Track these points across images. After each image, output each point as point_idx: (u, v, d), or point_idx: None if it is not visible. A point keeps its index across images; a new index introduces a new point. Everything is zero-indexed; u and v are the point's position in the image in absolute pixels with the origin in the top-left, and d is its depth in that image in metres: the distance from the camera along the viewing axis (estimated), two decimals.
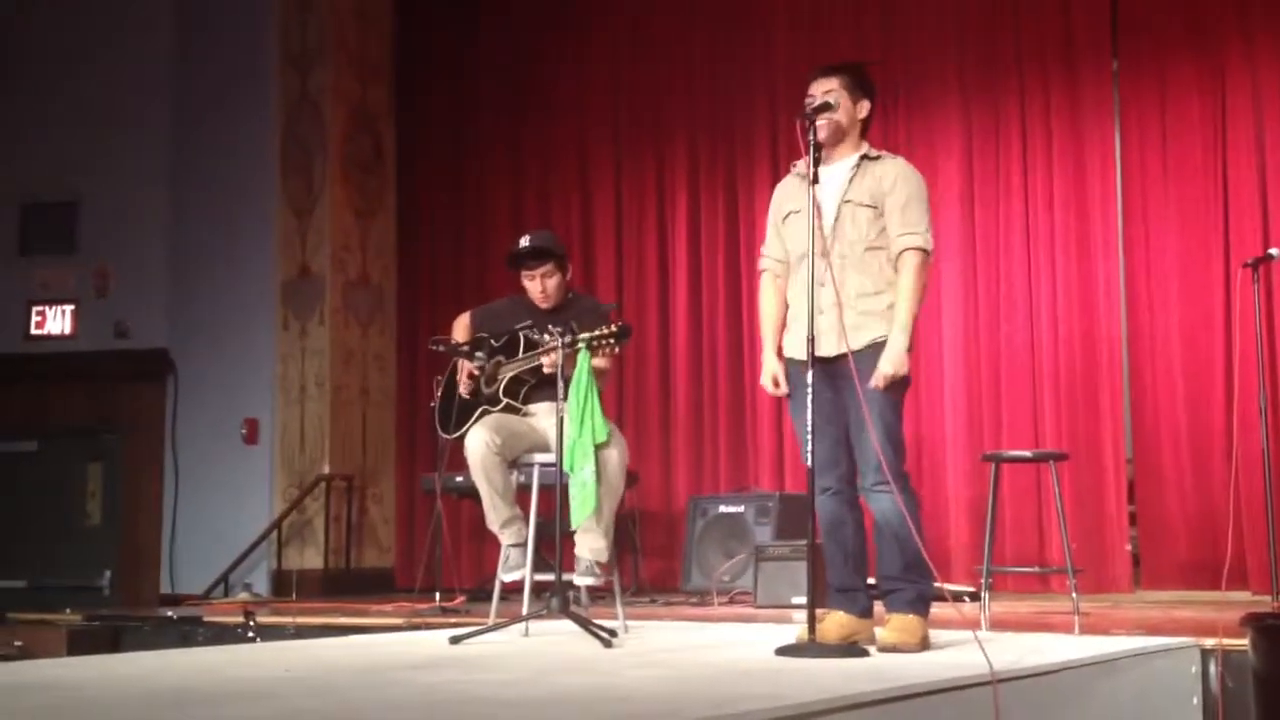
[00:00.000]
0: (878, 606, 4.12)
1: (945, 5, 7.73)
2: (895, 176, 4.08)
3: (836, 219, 4.05)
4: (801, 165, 4.16)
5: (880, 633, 3.94)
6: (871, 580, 4.14)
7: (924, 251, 4.03)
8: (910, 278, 4.01)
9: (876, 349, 3.98)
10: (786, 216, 4.18)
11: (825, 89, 4.08)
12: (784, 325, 4.17)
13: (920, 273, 4.02)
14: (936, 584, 4.05)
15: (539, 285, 5.11)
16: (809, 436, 3.86)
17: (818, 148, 3.98)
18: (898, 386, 4.02)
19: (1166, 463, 6.88)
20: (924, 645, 3.92)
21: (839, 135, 4.10)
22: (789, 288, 4.17)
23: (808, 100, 4.08)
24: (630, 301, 8.43)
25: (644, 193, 8.62)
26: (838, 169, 4.12)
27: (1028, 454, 6.04)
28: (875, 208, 4.05)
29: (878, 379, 3.94)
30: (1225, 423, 6.58)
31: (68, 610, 6.75)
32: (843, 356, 3.91)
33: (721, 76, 8.42)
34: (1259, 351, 5.91)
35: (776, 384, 4.12)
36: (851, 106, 4.11)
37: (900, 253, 4.03)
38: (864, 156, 4.13)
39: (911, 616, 3.94)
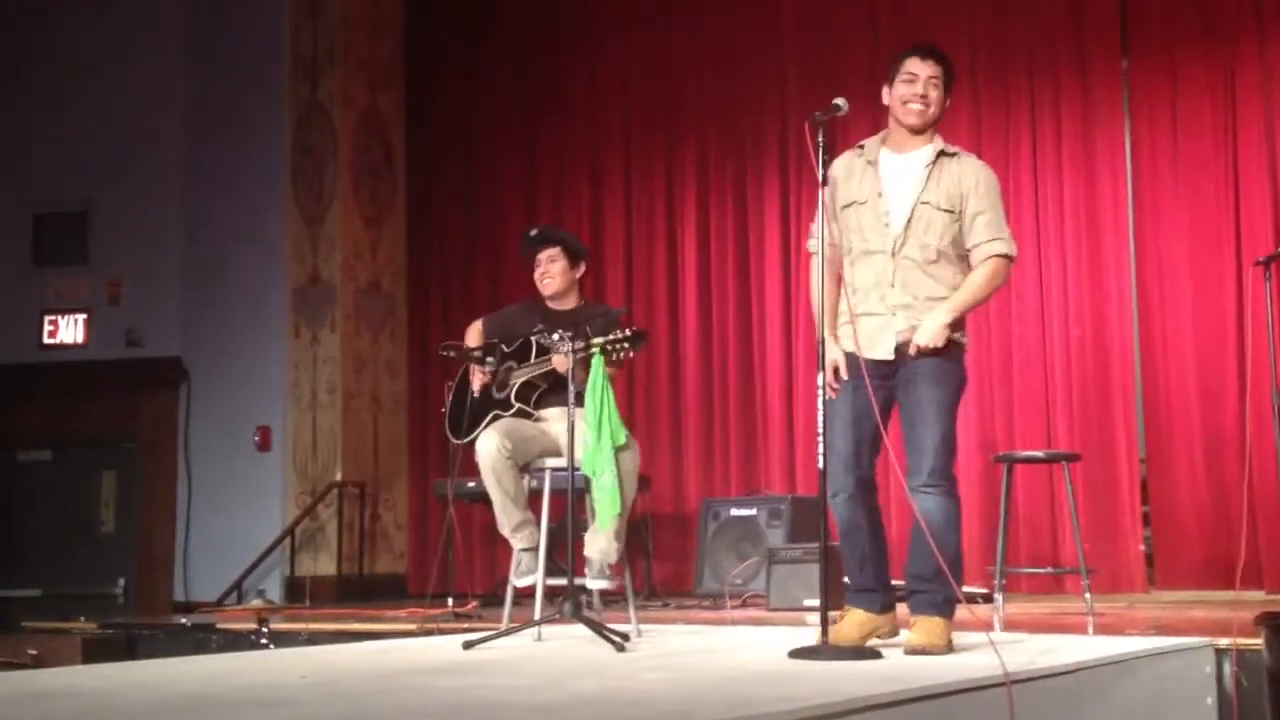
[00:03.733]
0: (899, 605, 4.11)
1: (957, 6, 7.73)
2: (976, 179, 3.97)
3: (911, 219, 3.93)
4: (870, 149, 4.04)
5: (907, 635, 3.91)
6: (896, 581, 4.12)
7: (1009, 259, 3.98)
8: (985, 275, 3.93)
9: (944, 350, 3.92)
10: (849, 205, 4.01)
11: (931, 73, 3.95)
12: (837, 311, 3.98)
13: (998, 276, 3.95)
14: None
15: (543, 270, 5.11)
16: (820, 439, 3.84)
17: (827, 151, 3.93)
18: (957, 389, 3.96)
19: (1180, 462, 6.86)
20: (950, 647, 3.89)
21: (927, 126, 3.99)
22: (851, 281, 3.98)
23: (903, 78, 3.95)
24: (640, 305, 8.43)
25: (654, 196, 8.62)
26: (911, 160, 3.99)
27: (1040, 455, 6.02)
28: (953, 212, 3.93)
29: (914, 343, 3.86)
30: (1238, 421, 6.57)
31: (82, 618, 6.77)
32: (900, 359, 3.89)
33: (731, 82, 8.42)
34: (1271, 349, 5.88)
35: (837, 374, 3.91)
36: (943, 99, 3.99)
37: (989, 256, 3.94)
38: (941, 152, 4.00)
39: (938, 619, 3.90)
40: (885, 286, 3.91)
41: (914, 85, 3.96)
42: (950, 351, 3.96)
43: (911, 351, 3.89)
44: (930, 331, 3.88)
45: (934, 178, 3.96)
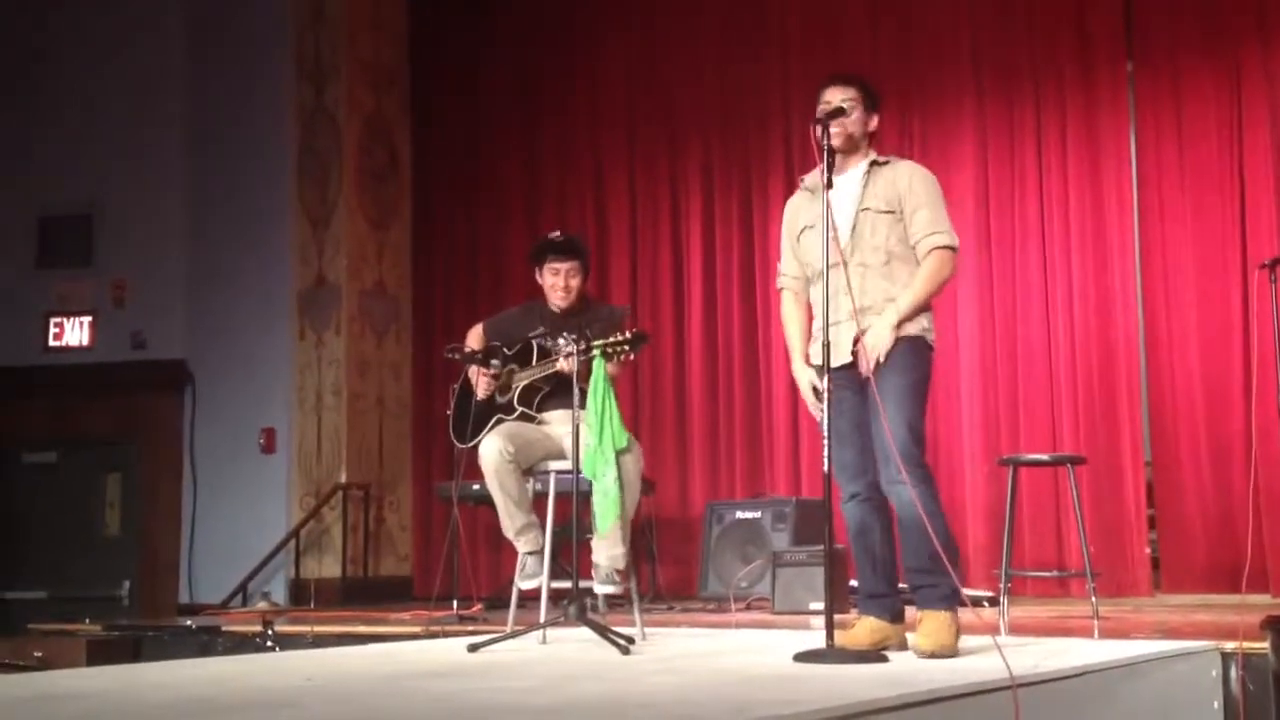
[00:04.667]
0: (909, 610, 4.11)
1: (960, 10, 7.73)
2: (909, 179, 4.10)
3: (855, 227, 4.06)
4: (810, 180, 4.18)
5: (914, 638, 3.90)
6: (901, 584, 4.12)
7: (951, 249, 4.07)
8: (930, 266, 4.03)
9: (903, 348, 3.97)
10: (802, 232, 4.17)
11: (843, 96, 4.09)
12: (809, 336, 4.15)
13: (944, 268, 4.05)
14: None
15: (562, 280, 5.09)
16: (825, 442, 3.86)
17: (831, 153, 3.98)
18: (921, 378, 4.01)
19: (1185, 465, 6.86)
20: (957, 639, 3.87)
21: (851, 145, 4.11)
22: (812, 299, 4.15)
23: (822, 106, 4.09)
24: (645, 308, 8.44)
25: (658, 199, 8.63)
26: (849, 178, 4.13)
27: (1045, 457, 6.02)
28: (894, 213, 4.06)
29: (865, 355, 3.94)
30: (1244, 424, 6.56)
31: (87, 620, 6.78)
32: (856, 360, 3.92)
33: (736, 83, 8.43)
34: (1277, 352, 5.88)
35: (817, 392, 4.01)
36: (864, 117, 4.12)
37: (930, 250, 4.04)
38: (873, 163, 4.14)
39: (944, 614, 3.89)
40: (842, 295, 3.97)
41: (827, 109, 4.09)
42: (914, 344, 4.00)
43: (862, 367, 3.95)
44: (879, 335, 3.97)
45: (870, 186, 4.09)
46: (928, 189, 4.10)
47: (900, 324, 3.97)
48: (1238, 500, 6.47)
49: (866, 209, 4.06)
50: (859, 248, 4.04)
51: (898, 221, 4.05)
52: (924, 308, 4.04)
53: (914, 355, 4.01)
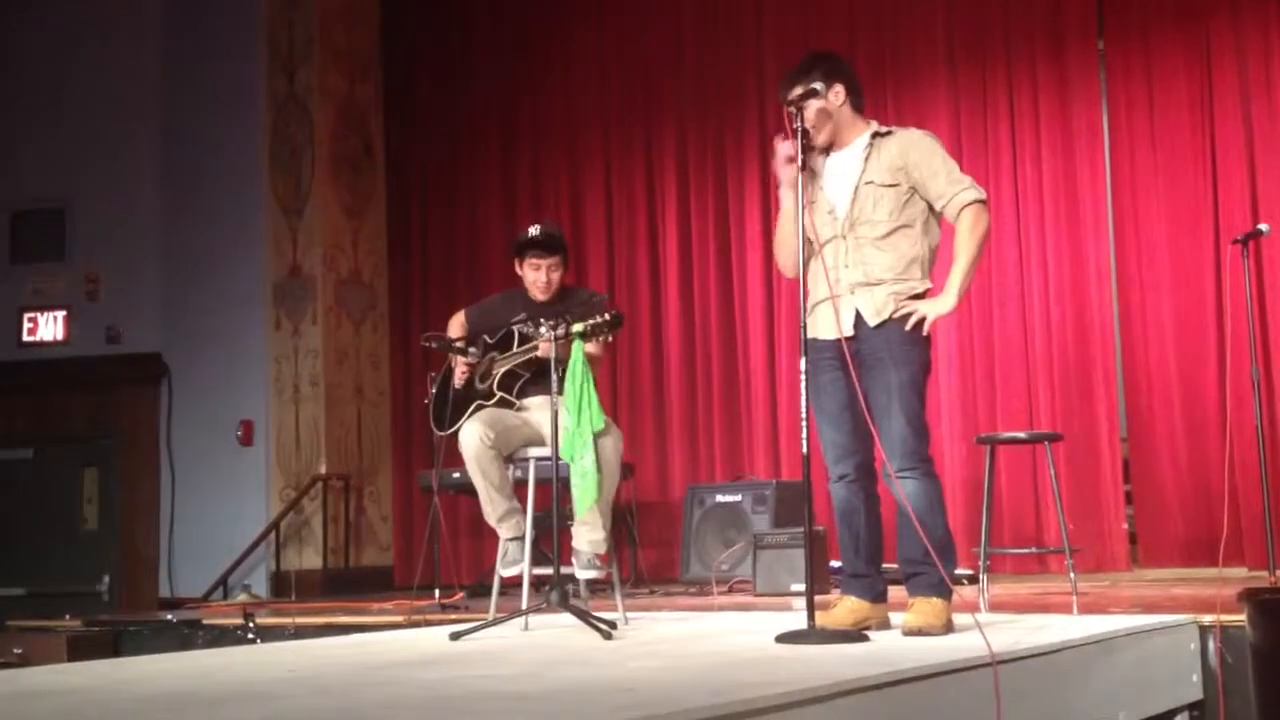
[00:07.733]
0: (894, 591, 4.12)
1: None
2: (915, 149, 4.03)
3: (855, 200, 4.02)
4: (812, 158, 4.12)
5: (904, 617, 3.92)
6: (890, 565, 4.13)
7: (982, 201, 4.00)
8: (967, 229, 3.95)
9: (901, 322, 3.96)
10: (805, 208, 4.08)
11: (801, 89, 4.04)
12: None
13: (979, 223, 3.96)
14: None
15: (544, 276, 5.09)
16: (804, 424, 3.86)
17: (805, 134, 3.97)
18: (922, 369, 4.00)
19: (1161, 441, 6.90)
20: (948, 628, 3.88)
21: (827, 128, 4.07)
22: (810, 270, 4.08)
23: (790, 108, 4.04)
24: (622, 292, 8.44)
25: (634, 182, 8.62)
26: (850, 152, 4.09)
27: (1023, 435, 6.04)
28: (898, 185, 4.01)
29: (916, 315, 3.91)
30: (1219, 399, 6.60)
31: (67, 616, 6.75)
32: (864, 336, 3.93)
33: (710, 64, 8.41)
34: (1250, 327, 5.93)
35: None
36: (825, 101, 4.06)
37: (961, 209, 3.98)
38: (875, 134, 4.09)
39: (935, 600, 3.90)
40: (840, 269, 3.97)
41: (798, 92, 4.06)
42: (913, 332, 3.97)
43: (914, 322, 3.92)
44: (938, 304, 3.95)
45: (872, 158, 4.05)
46: (936, 151, 4.05)
47: (960, 296, 3.93)
48: (1214, 474, 6.51)
49: (870, 182, 4.02)
50: (858, 219, 4.01)
51: (903, 194, 4.01)
52: (970, 271, 3.97)
53: (913, 346, 3.98)
